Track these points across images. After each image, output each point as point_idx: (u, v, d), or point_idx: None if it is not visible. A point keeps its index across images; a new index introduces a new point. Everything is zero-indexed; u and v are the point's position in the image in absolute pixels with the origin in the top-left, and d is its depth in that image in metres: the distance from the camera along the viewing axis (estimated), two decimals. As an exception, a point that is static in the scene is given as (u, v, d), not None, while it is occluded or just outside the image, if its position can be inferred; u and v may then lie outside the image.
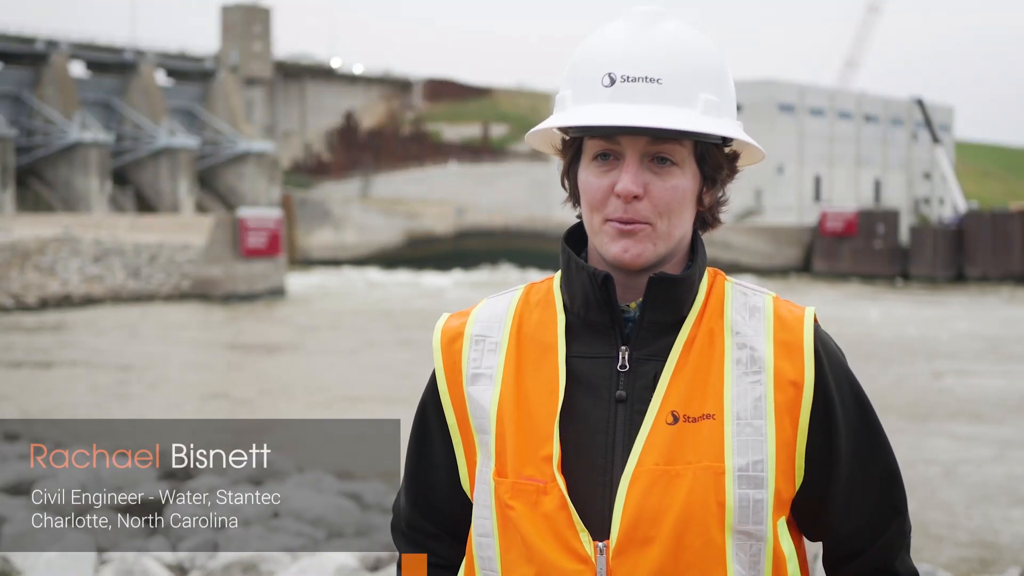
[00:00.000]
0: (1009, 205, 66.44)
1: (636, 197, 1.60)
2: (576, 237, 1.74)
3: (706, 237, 1.73)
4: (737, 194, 74.44)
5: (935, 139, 64.84)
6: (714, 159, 1.65)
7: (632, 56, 1.60)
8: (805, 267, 56.63)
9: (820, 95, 76.46)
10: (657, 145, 1.60)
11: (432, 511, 1.77)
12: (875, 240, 54.50)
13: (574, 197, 1.70)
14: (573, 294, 1.68)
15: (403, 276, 55.07)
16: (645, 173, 1.61)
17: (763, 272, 55.02)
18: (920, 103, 69.20)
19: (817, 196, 74.11)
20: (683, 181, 1.62)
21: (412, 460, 1.79)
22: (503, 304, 1.75)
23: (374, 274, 55.40)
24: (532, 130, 1.72)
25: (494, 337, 1.71)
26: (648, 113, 1.58)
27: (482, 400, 1.68)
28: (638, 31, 1.62)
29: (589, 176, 1.64)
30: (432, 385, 1.75)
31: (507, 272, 57.09)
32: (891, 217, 55.69)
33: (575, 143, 1.67)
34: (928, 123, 66.78)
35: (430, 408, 1.76)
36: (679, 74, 1.60)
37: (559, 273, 1.73)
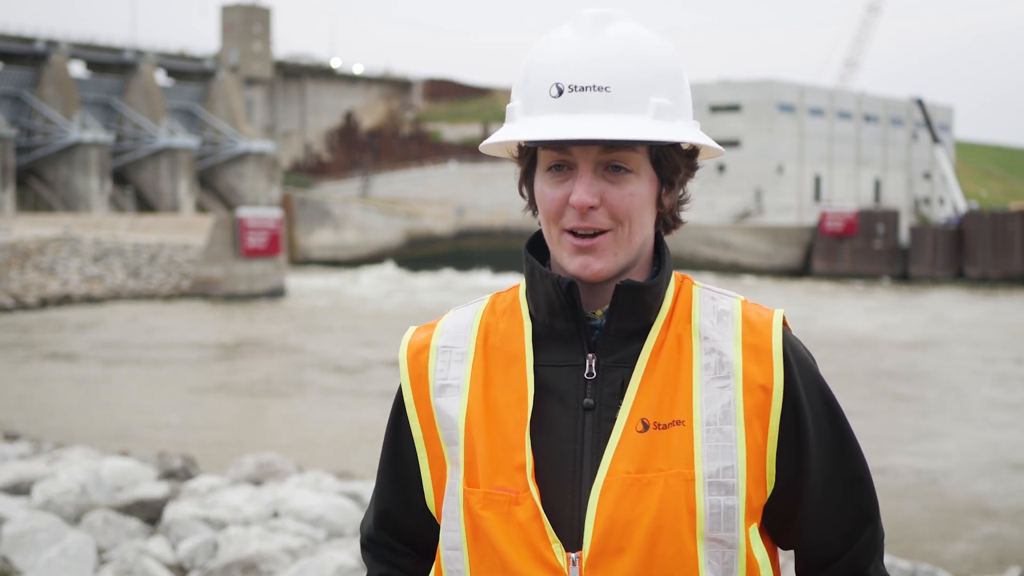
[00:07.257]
0: (1009, 205, 66.45)
1: (592, 207, 1.57)
2: (539, 245, 1.70)
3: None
4: (737, 194, 74.58)
5: (935, 139, 64.84)
6: (671, 161, 1.62)
7: (579, 64, 1.56)
8: (805, 267, 56.61)
9: (820, 95, 76.44)
10: (610, 153, 1.57)
11: (399, 529, 1.74)
12: (875, 240, 54.52)
13: (533, 205, 1.66)
14: (538, 302, 1.64)
15: (403, 276, 55.05)
16: (600, 182, 1.58)
17: (763, 272, 55.01)
18: (920, 103, 69.20)
19: (817, 196, 74.09)
20: (639, 187, 1.59)
21: (381, 477, 1.75)
22: (468, 314, 1.72)
23: (374, 274, 55.38)
24: (484, 143, 1.68)
25: (460, 348, 1.68)
26: (597, 123, 1.54)
27: (450, 411, 1.65)
28: (586, 36, 1.58)
29: (544, 187, 1.61)
30: (399, 400, 1.72)
31: (508, 274, 57.03)
32: (891, 217, 55.70)
33: (530, 151, 1.64)
34: (928, 123, 66.79)
35: (398, 425, 1.73)
36: (628, 80, 1.56)
37: (524, 281, 1.69)
